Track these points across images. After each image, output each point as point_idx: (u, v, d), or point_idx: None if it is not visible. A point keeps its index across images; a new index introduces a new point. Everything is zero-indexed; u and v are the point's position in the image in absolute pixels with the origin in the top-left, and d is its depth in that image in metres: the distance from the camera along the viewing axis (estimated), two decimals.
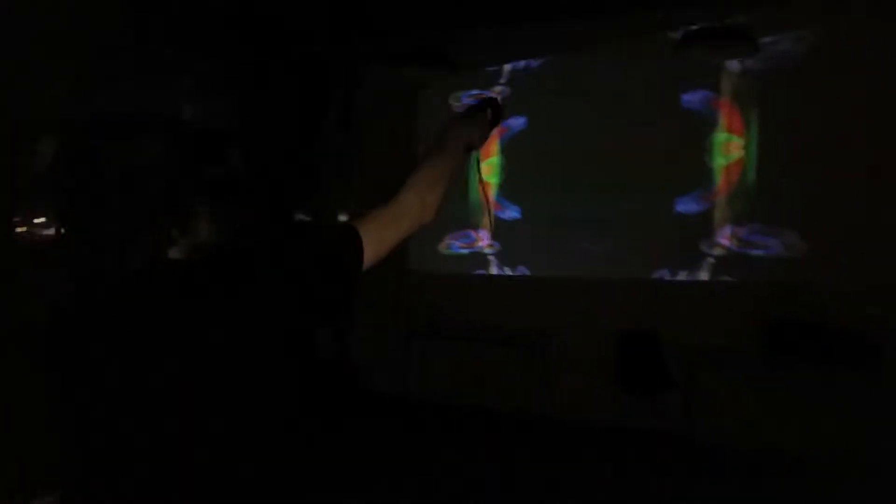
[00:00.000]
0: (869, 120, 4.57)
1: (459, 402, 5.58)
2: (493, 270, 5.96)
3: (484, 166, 5.83)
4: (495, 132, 1.60)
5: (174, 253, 1.05)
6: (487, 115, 1.53)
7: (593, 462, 4.46)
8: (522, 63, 5.89)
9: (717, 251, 5.15)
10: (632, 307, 5.23)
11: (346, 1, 5.11)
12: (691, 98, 5.25)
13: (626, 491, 3.95)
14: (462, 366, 5.79)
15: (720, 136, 5.18)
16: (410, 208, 1.29)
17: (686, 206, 5.27)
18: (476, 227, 6.03)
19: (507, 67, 5.95)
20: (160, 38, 4.55)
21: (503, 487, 4.01)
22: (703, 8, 4.83)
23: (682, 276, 5.23)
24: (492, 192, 5.81)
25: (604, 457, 4.55)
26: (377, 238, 1.21)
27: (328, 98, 6.37)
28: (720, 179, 5.20)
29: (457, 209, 5.80)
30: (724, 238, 5.13)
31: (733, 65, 5.08)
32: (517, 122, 5.85)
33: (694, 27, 4.68)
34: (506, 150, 5.88)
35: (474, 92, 6.01)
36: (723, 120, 5.18)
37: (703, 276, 5.18)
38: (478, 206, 5.88)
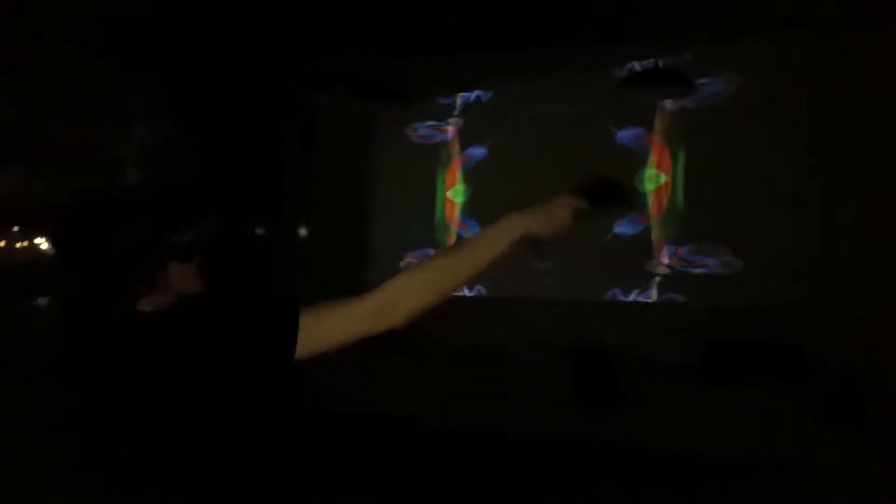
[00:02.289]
0: (789, 156, 4.98)
1: (419, 419, 5.57)
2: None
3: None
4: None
5: (143, 305, 1.17)
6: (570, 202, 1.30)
7: (551, 473, 4.51)
8: (474, 95, 6.10)
9: (662, 270, 5.41)
10: (584, 326, 5.38)
11: (302, 29, 5.17)
12: (625, 134, 5.58)
13: (583, 500, 4.03)
14: (421, 383, 5.86)
15: (649, 172, 5.52)
16: (374, 312, 1.20)
17: (623, 228, 5.54)
18: (437, 246, 6.19)
19: (459, 100, 6.16)
20: (107, 62, 4.56)
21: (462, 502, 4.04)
22: (645, 45, 5.09)
23: (633, 294, 5.45)
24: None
25: (560, 467, 4.61)
26: (319, 330, 1.18)
27: (284, 123, 6.41)
28: (651, 202, 5.51)
29: (417, 226, 6.03)
30: (667, 258, 5.40)
31: (667, 104, 5.41)
32: (478, 152, 6.08)
33: (637, 68, 5.04)
34: (467, 177, 6.11)
35: (430, 123, 6.24)
36: (652, 156, 5.52)
37: (653, 293, 5.40)
38: (440, 224, 6.09)
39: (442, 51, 5.54)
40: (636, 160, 5.51)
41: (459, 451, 5.12)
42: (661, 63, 4.84)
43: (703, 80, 5.19)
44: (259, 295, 1.20)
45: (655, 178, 5.50)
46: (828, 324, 4.64)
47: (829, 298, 4.72)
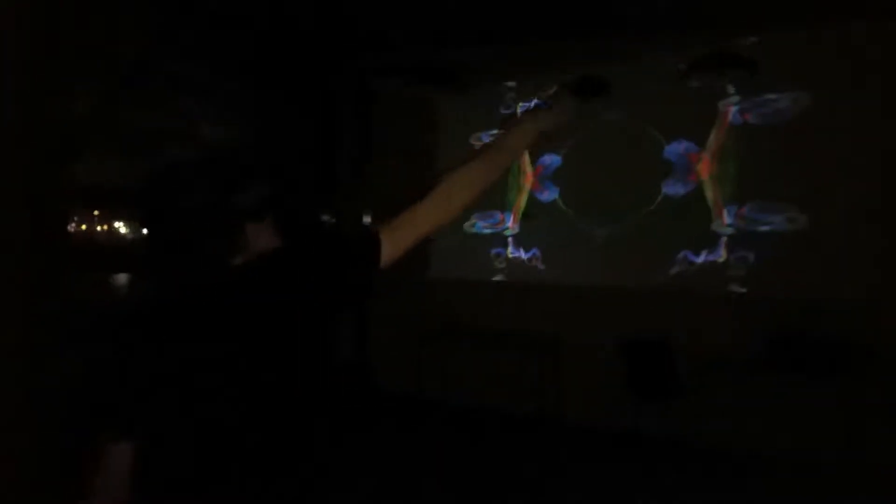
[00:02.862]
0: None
1: (472, 405, 5.77)
2: (510, 251, 6.23)
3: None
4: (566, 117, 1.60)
5: (236, 261, 1.32)
6: (566, 99, 1.57)
7: (604, 465, 4.59)
8: (532, 104, 5.97)
9: (726, 230, 5.28)
10: (643, 315, 5.36)
11: (356, 17, 5.28)
12: (674, 149, 5.48)
13: (635, 493, 4.09)
14: (475, 369, 6.01)
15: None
16: (434, 210, 1.38)
17: (672, 188, 5.47)
18: (503, 209, 6.28)
19: (519, 110, 6.15)
20: (174, 55, 4.75)
21: (514, 490, 4.13)
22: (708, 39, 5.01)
23: (703, 255, 5.38)
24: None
25: (614, 460, 4.70)
26: (394, 240, 1.34)
27: (344, 110, 6.62)
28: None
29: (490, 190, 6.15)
30: (731, 217, 5.28)
31: (732, 117, 5.25)
32: (553, 161, 6.09)
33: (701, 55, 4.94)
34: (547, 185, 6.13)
35: (493, 132, 6.18)
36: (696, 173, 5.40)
37: (722, 253, 5.31)
38: (510, 186, 6.17)
39: (498, 38, 5.54)
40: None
41: (511, 438, 5.27)
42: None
43: (770, 96, 5.03)
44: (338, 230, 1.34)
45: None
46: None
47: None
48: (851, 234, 4.70)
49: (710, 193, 5.38)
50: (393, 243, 1.34)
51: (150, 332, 1.30)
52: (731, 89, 5.25)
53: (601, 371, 5.41)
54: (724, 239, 5.31)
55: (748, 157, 5.17)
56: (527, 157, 6.11)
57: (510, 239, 6.25)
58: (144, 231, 1.30)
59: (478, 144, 6.32)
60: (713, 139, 5.35)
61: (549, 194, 6.05)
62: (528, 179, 6.12)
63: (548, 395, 5.70)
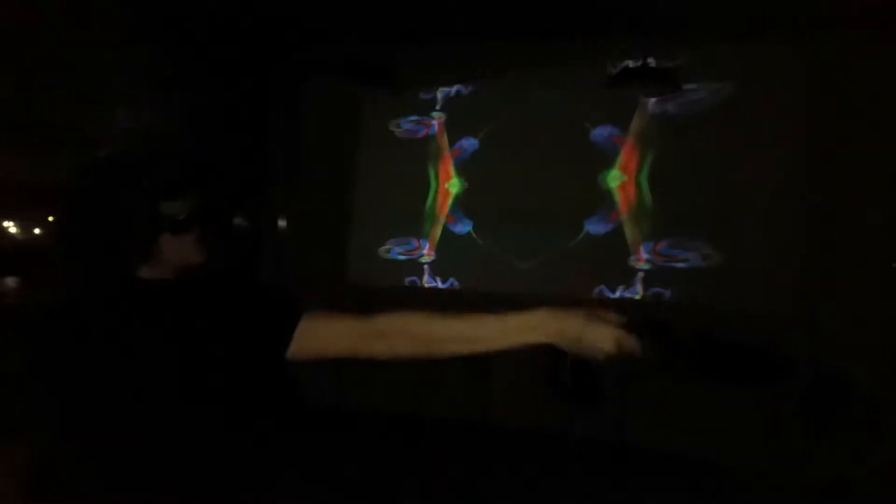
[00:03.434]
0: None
1: (399, 413, 5.63)
2: (426, 280, 6.06)
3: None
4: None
5: (144, 273, 1.20)
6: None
7: (534, 470, 4.60)
8: (454, 90, 6.07)
9: (643, 266, 5.33)
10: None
11: (287, 12, 5.15)
12: (600, 132, 5.54)
13: (561, 494, 4.14)
14: (401, 376, 5.83)
15: (613, 173, 5.48)
16: (371, 338, 1.23)
17: (594, 227, 5.50)
18: (419, 236, 6.11)
19: (440, 95, 6.12)
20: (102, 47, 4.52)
21: (443, 495, 4.12)
22: (636, 45, 5.01)
23: (619, 291, 5.40)
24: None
25: (543, 464, 4.71)
26: (316, 337, 1.22)
27: (269, 107, 6.38)
28: (619, 200, 5.44)
29: (404, 217, 6.03)
30: (646, 254, 5.35)
31: (650, 105, 5.37)
32: (470, 144, 6.02)
33: (630, 65, 5.07)
34: (460, 171, 6.03)
35: (412, 117, 6.19)
36: (620, 158, 5.47)
37: (639, 289, 5.34)
38: (427, 214, 6.05)
39: (425, 41, 5.51)
40: (604, 160, 5.50)
41: (440, 444, 5.22)
42: (651, 62, 4.85)
43: (690, 86, 5.14)
44: (263, 285, 1.22)
45: (619, 179, 5.46)
46: (807, 325, 4.63)
47: (808, 301, 4.70)
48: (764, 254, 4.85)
49: (628, 230, 5.37)
50: (310, 340, 1.21)
51: (45, 337, 1.20)
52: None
53: (526, 378, 5.31)
54: (641, 275, 5.33)
55: (665, 149, 5.31)
56: (445, 139, 6.04)
57: (426, 267, 6.04)
58: (59, 224, 1.22)
59: (398, 131, 6.25)
60: (635, 125, 5.42)
61: (462, 227, 5.92)
62: (442, 211, 6.02)
63: (475, 401, 5.63)
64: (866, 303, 4.46)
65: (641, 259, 5.34)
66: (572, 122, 5.58)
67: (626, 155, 5.45)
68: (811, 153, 4.78)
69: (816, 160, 4.76)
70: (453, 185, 6.03)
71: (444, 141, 6.10)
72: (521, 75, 5.70)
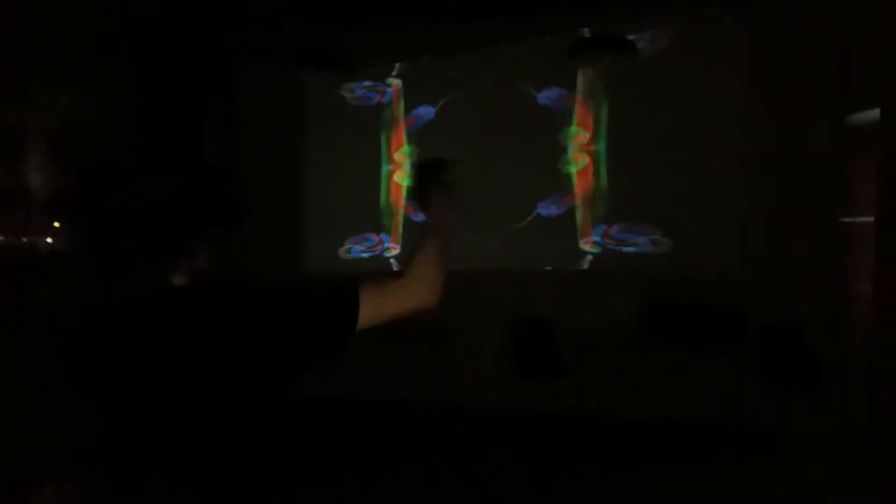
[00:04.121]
0: (713, 115, 5.05)
1: (364, 398, 5.64)
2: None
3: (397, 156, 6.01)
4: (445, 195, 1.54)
5: (177, 280, 1.15)
6: (433, 192, 1.50)
7: (498, 447, 4.67)
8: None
9: (592, 249, 5.49)
10: (523, 298, 5.48)
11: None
12: (547, 94, 5.61)
13: (531, 471, 4.21)
14: (363, 361, 5.79)
15: (572, 130, 5.55)
16: (419, 288, 1.35)
17: (547, 210, 5.62)
18: (378, 231, 6.13)
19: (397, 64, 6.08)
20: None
21: (410, 476, 4.12)
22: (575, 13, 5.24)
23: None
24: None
25: (507, 441, 4.79)
26: (376, 304, 1.26)
27: (211, 95, 6.13)
28: (576, 183, 5.57)
29: (359, 213, 5.98)
30: (598, 236, 5.48)
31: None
32: (426, 112, 5.97)
33: (586, 35, 5.18)
34: (415, 141, 5.99)
35: (367, 83, 6.09)
36: (576, 115, 5.56)
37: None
38: (383, 209, 6.03)
39: (376, 20, 5.43)
40: (560, 120, 5.59)
41: (406, 427, 5.24)
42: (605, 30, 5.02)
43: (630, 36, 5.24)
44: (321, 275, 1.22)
45: (578, 133, 5.56)
46: (756, 288, 4.85)
47: (757, 265, 4.91)
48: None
49: (580, 214, 5.57)
50: (372, 308, 1.25)
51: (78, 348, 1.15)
52: None
53: (487, 356, 5.52)
54: (589, 258, 5.55)
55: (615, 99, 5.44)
56: (401, 107, 6.03)
57: (392, 261, 6.12)
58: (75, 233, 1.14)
59: (351, 97, 6.18)
60: (580, 81, 5.54)
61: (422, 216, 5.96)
62: (399, 202, 6.03)
63: (437, 381, 5.67)
64: (811, 259, 4.67)
65: (590, 242, 5.53)
66: (525, 91, 5.66)
67: (581, 112, 5.57)
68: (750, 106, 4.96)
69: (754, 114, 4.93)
70: (404, 153, 6.04)
71: (400, 109, 6.08)
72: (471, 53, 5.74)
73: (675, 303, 4.99)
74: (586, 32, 5.22)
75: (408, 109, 6.01)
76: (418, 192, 1.52)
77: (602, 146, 5.48)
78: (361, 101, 6.13)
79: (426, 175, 1.53)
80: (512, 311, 5.44)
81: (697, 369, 4.80)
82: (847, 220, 4.25)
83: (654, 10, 5.20)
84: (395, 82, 6.07)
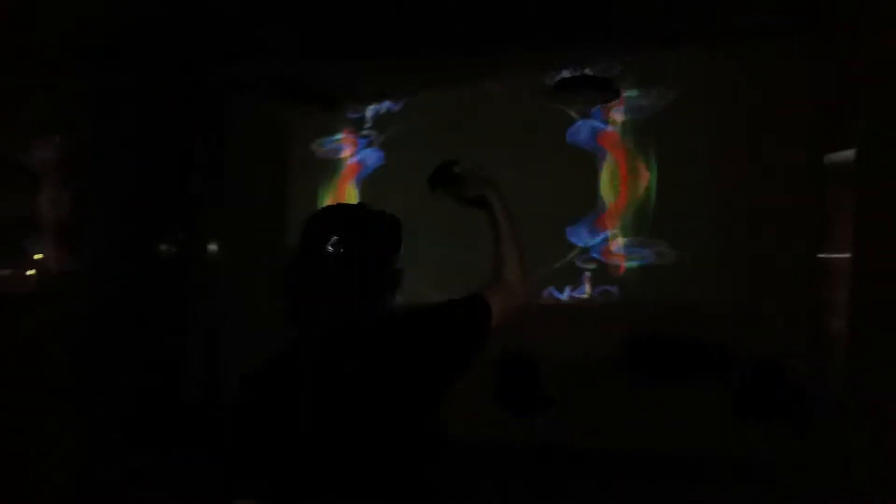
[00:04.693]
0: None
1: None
2: None
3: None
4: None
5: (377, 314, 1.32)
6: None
7: (481, 482, 4.45)
8: (384, 106, 5.96)
9: (592, 265, 5.34)
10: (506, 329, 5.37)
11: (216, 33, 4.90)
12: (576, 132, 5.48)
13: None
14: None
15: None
16: (521, 284, 1.50)
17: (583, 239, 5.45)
18: None
19: (369, 113, 6.01)
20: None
21: None
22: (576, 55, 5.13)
23: (567, 291, 5.41)
24: None
25: (490, 476, 4.61)
26: (498, 307, 1.41)
27: (196, 132, 6.03)
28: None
29: None
30: (597, 253, 5.35)
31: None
32: (373, 158, 5.97)
33: (566, 76, 5.13)
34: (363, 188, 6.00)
35: (338, 136, 6.10)
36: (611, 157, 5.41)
37: (587, 289, 5.35)
38: None
39: (356, 56, 5.20)
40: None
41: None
42: (588, 71, 4.97)
43: (633, 92, 5.19)
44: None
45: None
46: (743, 320, 4.74)
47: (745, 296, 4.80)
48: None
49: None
50: (499, 307, 1.40)
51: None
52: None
53: (471, 388, 5.40)
54: (588, 274, 5.38)
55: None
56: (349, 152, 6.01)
57: None
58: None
59: (320, 151, 6.18)
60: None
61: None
62: None
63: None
64: (796, 295, 4.61)
65: (594, 258, 5.37)
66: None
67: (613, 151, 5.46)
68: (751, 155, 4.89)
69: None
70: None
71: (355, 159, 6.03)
72: (450, 92, 5.63)
73: (657, 336, 4.93)
74: (566, 75, 5.16)
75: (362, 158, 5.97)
76: (458, 196, 1.55)
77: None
78: (329, 153, 6.15)
79: (445, 181, 1.56)
80: (499, 345, 5.29)
81: (680, 401, 4.73)
82: (825, 255, 4.25)
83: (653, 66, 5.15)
84: (368, 133, 6.03)
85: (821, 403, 4.19)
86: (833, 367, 4.16)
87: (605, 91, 4.86)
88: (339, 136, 6.09)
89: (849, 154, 3.83)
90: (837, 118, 4.17)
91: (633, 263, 5.27)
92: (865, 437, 3.57)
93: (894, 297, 3.16)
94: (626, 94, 5.15)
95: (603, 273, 5.36)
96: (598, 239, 5.37)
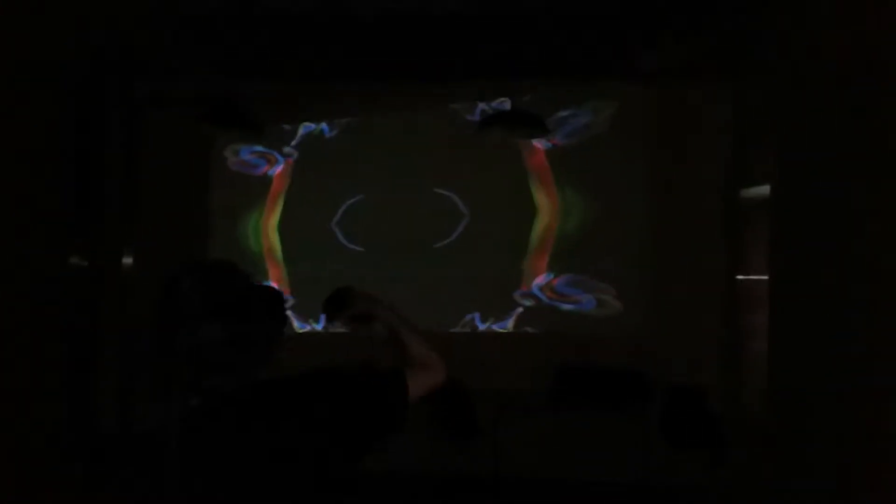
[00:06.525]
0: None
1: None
2: (296, 325, 5.62)
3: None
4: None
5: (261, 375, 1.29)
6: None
7: None
8: (317, 126, 5.80)
9: (527, 302, 5.34)
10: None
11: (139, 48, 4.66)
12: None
13: None
14: None
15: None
16: (438, 364, 1.50)
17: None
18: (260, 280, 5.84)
19: (301, 131, 5.82)
20: None
21: None
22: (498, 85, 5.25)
23: (489, 322, 5.34)
24: None
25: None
26: (416, 384, 1.40)
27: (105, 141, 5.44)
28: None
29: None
30: (538, 290, 5.33)
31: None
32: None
33: (488, 110, 5.23)
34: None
35: (257, 149, 5.85)
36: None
37: (509, 324, 5.30)
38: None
39: (287, 79, 5.17)
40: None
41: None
42: (513, 104, 5.01)
43: (563, 113, 5.30)
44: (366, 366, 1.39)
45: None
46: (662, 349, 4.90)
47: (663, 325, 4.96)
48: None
49: (528, 263, 5.40)
50: (416, 384, 1.40)
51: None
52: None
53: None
54: (520, 310, 5.35)
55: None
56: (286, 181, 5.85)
57: (290, 313, 5.67)
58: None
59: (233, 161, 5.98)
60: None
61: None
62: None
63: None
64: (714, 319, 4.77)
65: (533, 294, 5.33)
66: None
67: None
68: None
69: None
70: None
71: (284, 184, 5.76)
72: (378, 121, 5.58)
73: (581, 365, 4.97)
74: (489, 109, 5.27)
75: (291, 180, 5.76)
76: (351, 325, 1.57)
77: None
78: (246, 167, 5.89)
79: (338, 309, 1.56)
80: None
81: (604, 430, 4.78)
82: (742, 277, 4.42)
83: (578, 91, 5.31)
84: (291, 151, 5.83)
85: (739, 428, 4.25)
86: (749, 391, 4.25)
87: (534, 127, 4.86)
88: (259, 149, 5.84)
89: (763, 189, 4.05)
90: (753, 154, 4.41)
91: (569, 307, 5.28)
92: (786, 460, 3.62)
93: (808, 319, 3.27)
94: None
95: (533, 313, 5.33)
96: (544, 277, 5.38)
